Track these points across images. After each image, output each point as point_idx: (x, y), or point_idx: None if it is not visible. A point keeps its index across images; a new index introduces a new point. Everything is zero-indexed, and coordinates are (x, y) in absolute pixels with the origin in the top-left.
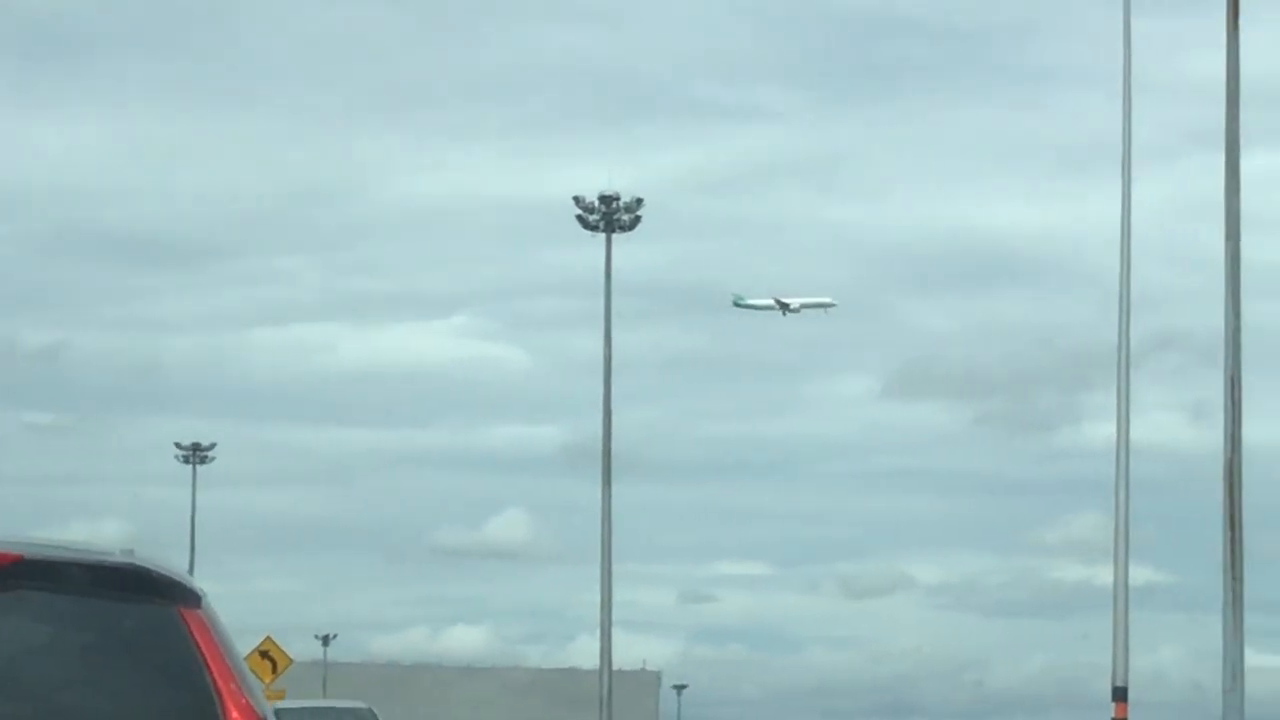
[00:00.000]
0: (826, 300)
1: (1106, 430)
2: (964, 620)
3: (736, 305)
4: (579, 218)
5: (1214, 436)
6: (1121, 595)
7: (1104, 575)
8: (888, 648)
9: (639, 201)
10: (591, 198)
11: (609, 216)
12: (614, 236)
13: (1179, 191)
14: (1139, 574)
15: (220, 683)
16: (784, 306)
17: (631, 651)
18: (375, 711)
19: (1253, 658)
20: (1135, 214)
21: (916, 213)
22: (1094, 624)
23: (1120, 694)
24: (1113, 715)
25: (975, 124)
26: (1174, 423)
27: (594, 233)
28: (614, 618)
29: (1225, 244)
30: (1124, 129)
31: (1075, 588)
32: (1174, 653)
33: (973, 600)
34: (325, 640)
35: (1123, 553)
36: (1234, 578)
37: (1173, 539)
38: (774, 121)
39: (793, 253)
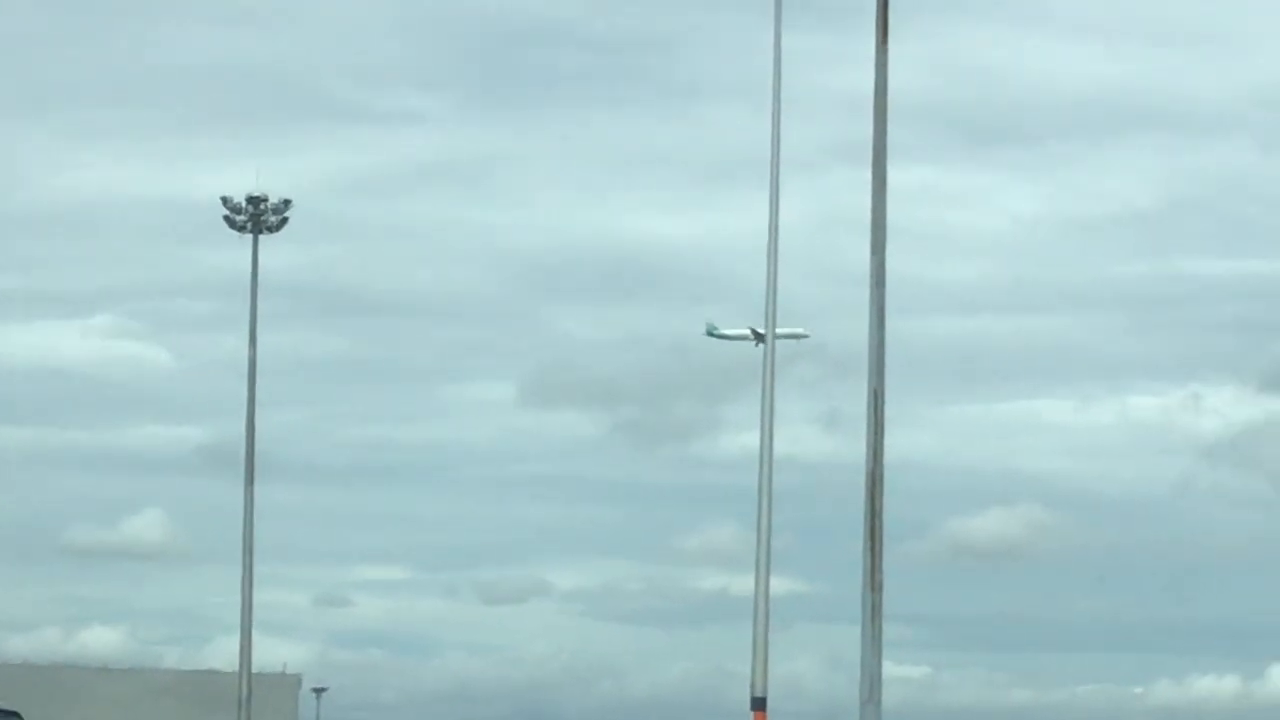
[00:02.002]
0: (800, 331)
1: (743, 440)
2: (603, 627)
3: (710, 335)
4: (226, 218)
5: (849, 448)
6: (762, 605)
7: (741, 584)
8: (526, 654)
9: (287, 203)
10: (239, 199)
11: (256, 218)
12: (261, 238)
13: (824, 205)
14: (778, 584)
15: None
16: (758, 337)
17: (271, 654)
18: (22, 715)
19: (890, 669)
20: (781, 226)
21: (562, 220)
22: (732, 633)
23: (759, 703)
24: None
25: (623, 134)
26: (810, 434)
27: (241, 234)
28: (254, 620)
29: (871, 258)
30: (773, 142)
31: (713, 596)
32: (812, 663)
33: (611, 607)
34: None
35: (764, 563)
36: (873, 589)
37: (810, 549)
38: (422, 126)
39: (438, 257)
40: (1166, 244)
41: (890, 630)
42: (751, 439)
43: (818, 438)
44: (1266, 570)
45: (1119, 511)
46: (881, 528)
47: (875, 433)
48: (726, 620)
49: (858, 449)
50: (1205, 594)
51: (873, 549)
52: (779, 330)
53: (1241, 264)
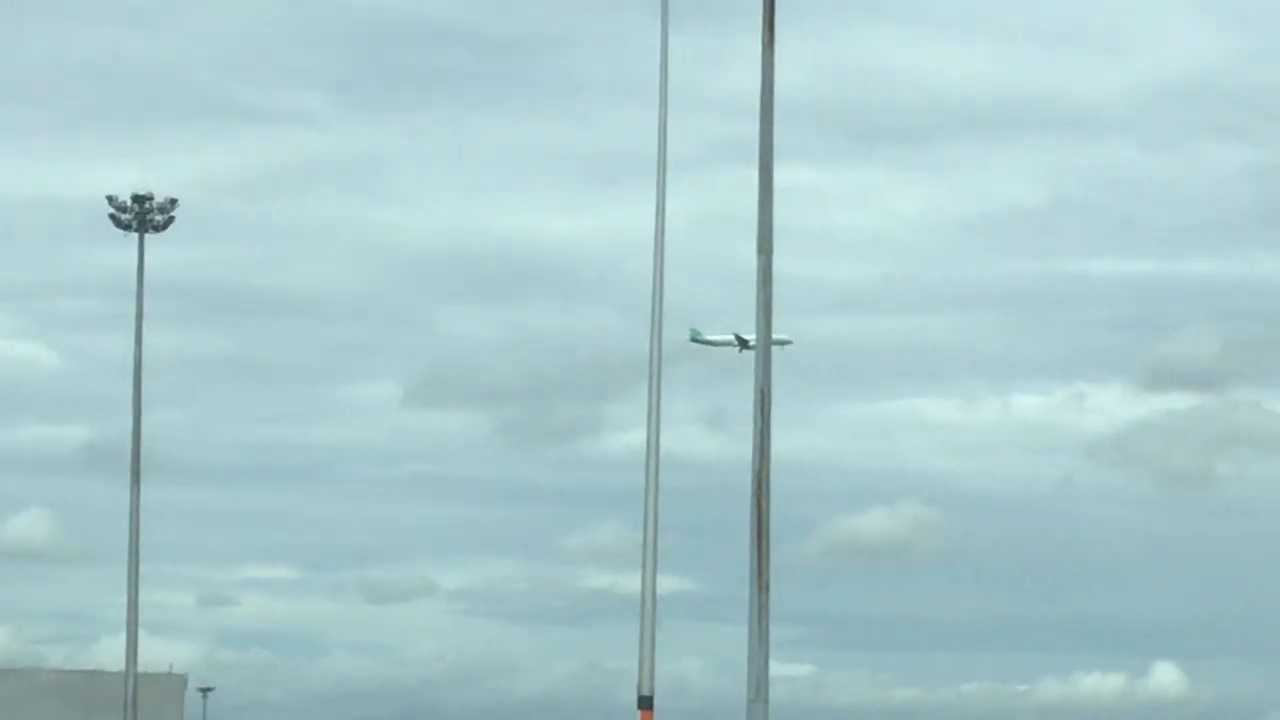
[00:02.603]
0: (784, 338)
1: (627, 439)
2: (488, 626)
3: (694, 341)
4: (112, 217)
5: (734, 447)
6: (649, 604)
7: (627, 583)
8: (412, 653)
9: (173, 202)
10: (125, 198)
11: (142, 217)
12: (147, 237)
13: (710, 204)
14: (665, 583)
15: None
16: (743, 343)
17: (157, 654)
18: None
19: (777, 668)
20: (667, 225)
21: (448, 219)
22: (619, 631)
23: (646, 702)
24: None
25: (510, 133)
26: (695, 433)
27: (127, 233)
28: (140, 620)
29: (758, 257)
30: (660, 142)
31: (599, 595)
32: (699, 662)
33: (497, 606)
34: None
35: (650, 562)
36: (760, 588)
37: (696, 548)
38: (310, 126)
39: (324, 256)
40: (1051, 243)
41: (777, 629)
42: (636, 438)
43: (703, 437)
44: (1150, 568)
45: (1003, 510)
46: (768, 527)
47: (762, 432)
48: (613, 619)
49: (743, 448)
50: (1089, 592)
51: (760, 548)
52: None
53: (1125, 263)
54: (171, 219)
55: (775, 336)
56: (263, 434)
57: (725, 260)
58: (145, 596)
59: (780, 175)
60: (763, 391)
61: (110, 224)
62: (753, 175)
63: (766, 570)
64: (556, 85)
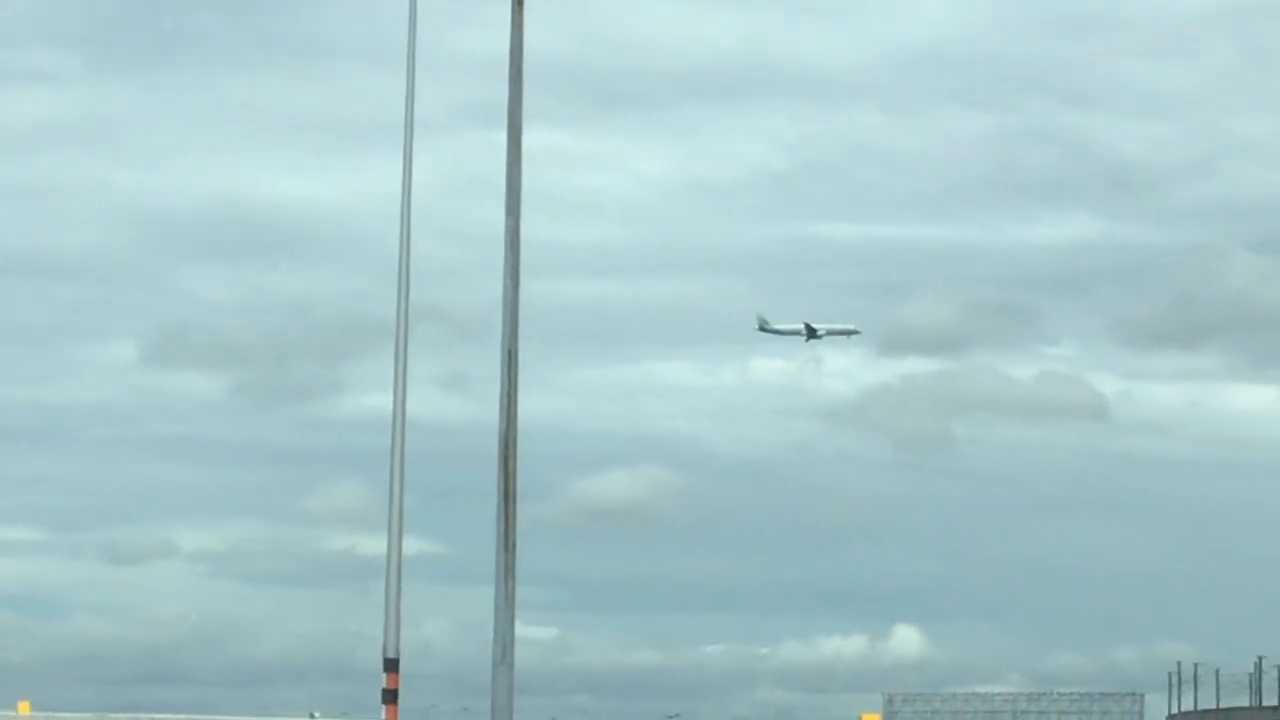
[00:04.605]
0: (851, 326)
1: (367, 401)
2: (231, 588)
3: (762, 330)
4: None
5: (476, 409)
6: (394, 566)
7: (369, 545)
8: (154, 614)
9: None
10: None
11: None
12: None
13: (458, 166)
14: (410, 545)
15: None
16: (811, 332)
17: None
18: None
19: (522, 630)
20: (414, 188)
21: (191, 180)
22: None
23: (391, 665)
24: (384, 686)
25: (255, 94)
26: (435, 395)
27: None
28: None
29: (506, 219)
30: (407, 104)
31: (341, 557)
32: (444, 624)
33: (239, 568)
34: None
35: (396, 524)
36: (507, 550)
37: (439, 510)
38: (50, 85)
39: (67, 216)
40: (795, 208)
41: (522, 592)
42: (375, 400)
43: (443, 399)
44: (889, 531)
45: (744, 473)
46: (515, 489)
47: (509, 394)
48: (356, 581)
49: (484, 410)
50: (830, 555)
51: (506, 510)
52: (832, 326)
53: (868, 228)
54: None
55: (843, 326)
56: (0, 394)
57: (472, 222)
58: None
59: (528, 138)
60: (510, 352)
61: None
62: (500, 138)
63: (513, 533)
64: (303, 46)
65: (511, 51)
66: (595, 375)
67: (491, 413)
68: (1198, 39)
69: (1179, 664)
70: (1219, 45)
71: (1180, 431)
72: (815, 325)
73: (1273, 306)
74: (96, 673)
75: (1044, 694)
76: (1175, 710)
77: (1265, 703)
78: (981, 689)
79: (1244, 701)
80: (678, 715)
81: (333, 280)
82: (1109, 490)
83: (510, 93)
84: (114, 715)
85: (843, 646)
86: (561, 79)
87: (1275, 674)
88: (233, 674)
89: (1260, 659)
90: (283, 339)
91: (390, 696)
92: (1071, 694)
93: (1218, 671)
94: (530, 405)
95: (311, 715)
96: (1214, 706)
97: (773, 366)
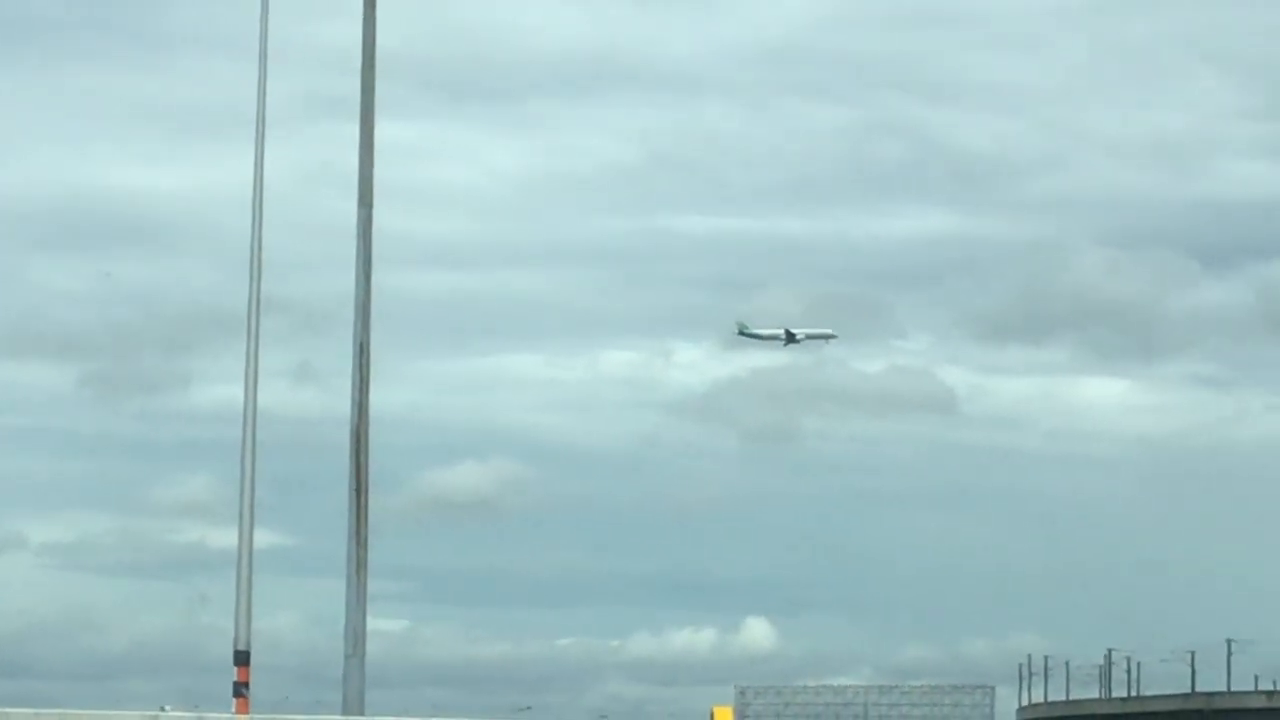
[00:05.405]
0: (828, 331)
1: (214, 393)
2: (79, 580)
3: (742, 334)
4: None
5: (325, 402)
6: (245, 558)
7: (219, 537)
8: (2, 608)
9: None
10: None
11: None
12: None
13: (309, 158)
14: (260, 537)
15: None
16: (790, 337)
17: None
18: None
19: (373, 622)
20: (265, 179)
21: (41, 171)
22: (213, 586)
23: (242, 657)
24: (235, 679)
25: (104, 85)
26: (283, 387)
27: None
28: None
29: (358, 210)
30: (259, 95)
31: (191, 549)
32: (295, 616)
33: (87, 560)
34: None
35: (247, 516)
36: (359, 543)
37: (290, 503)
38: None
39: None
40: (647, 201)
41: (372, 584)
42: (223, 391)
43: (290, 391)
44: (739, 524)
45: (594, 466)
46: (367, 482)
47: (361, 387)
48: (206, 573)
49: (333, 402)
50: (680, 548)
51: (358, 503)
52: (810, 331)
53: (718, 221)
54: None
55: (821, 331)
56: None
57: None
58: None
59: (380, 131)
60: (362, 345)
61: None
62: (353, 130)
63: (364, 526)
64: (154, 37)
65: (364, 43)
66: (446, 368)
67: (342, 405)
68: (1048, 34)
69: (1029, 656)
70: (1069, 40)
71: (1029, 425)
72: (794, 330)
73: (1121, 300)
74: None
75: (895, 687)
76: (1025, 702)
77: (1114, 694)
78: (833, 682)
79: (1094, 693)
80: (529, 708)
81: (180, 271)
82: (959, 484)
83: (363, 84)
84: None
85: (694, 639)
86: (414, 72)
87: (1125, 665)
88: (81, 667)
89: (1110, 651)
90: (132, 331)
91: (241, 689)
92: (922, 686)
93: (1068, 663)
94: (381, 397)
95: (162, 709)
96: (1064, 698)
97: (622, 359)
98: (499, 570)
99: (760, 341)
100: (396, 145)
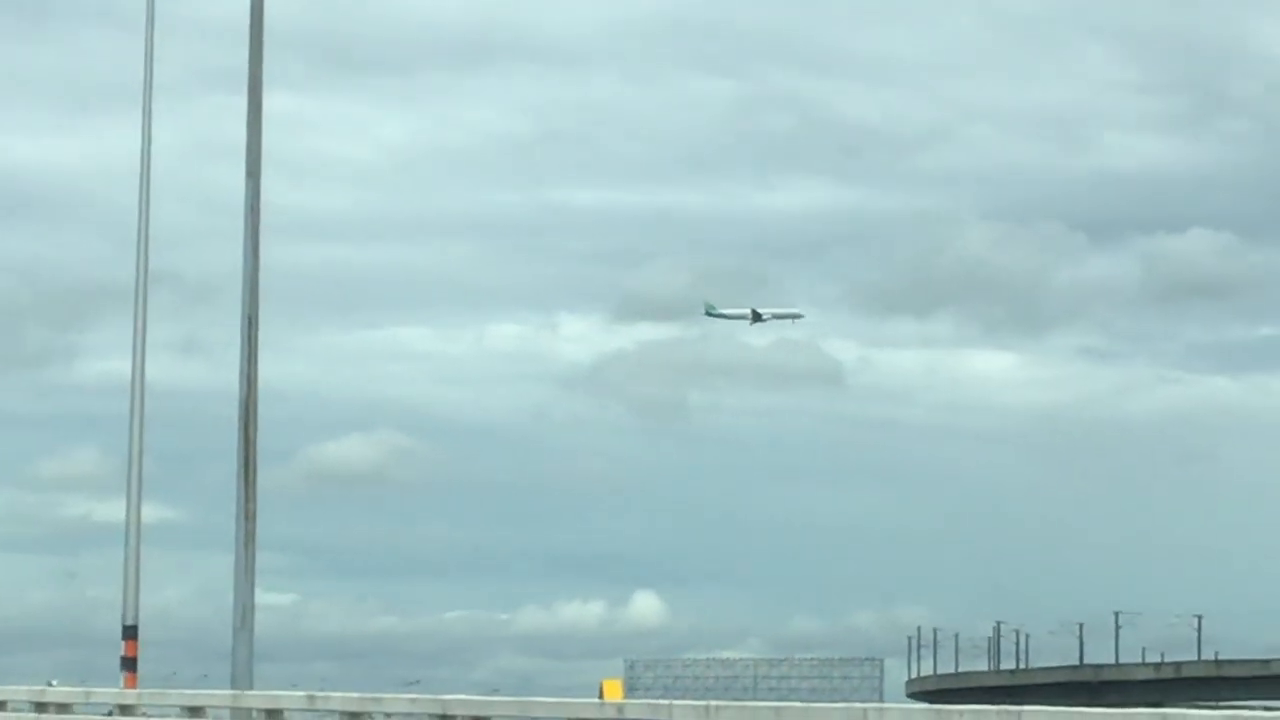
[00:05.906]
0: (795, 310)
1: (103, 366)
2: None
3: (709, 314)
4: None
5: (211, 375)
6: (133, 532)
7: (105, 510)
8: None
9: None
10: None
11: None
12: None
13: (196, 131)
14: (149, 511)
15: None
16: (756, 316)
17: None
18: None
19: (261, 596)
20: (153, 152)
21: None
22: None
23: (130, 632)
24: (122, 653)
25: None
26: (172, 360)
27: None
28: None
29: (246, 182)
30: (146, 67)
31: (77, 523)
32: (183, 590)
33: None
34: None
35: (135, 490)
36: (247, 516)
37: (177, 476)
38: None
39: None
40: (535, 174)
41: (260, 557)
42: (110, 365)
43: (179, 364)
44: (626, 497)
45: (481, 439)
46: (255, 455)
47: (249, 360)
48: (93, 547)
49: (220, 376)
50: (568, 521)
51: (247, 476)
52: (777, 310)
53: (606, 194)
54: None
55: (787, 310)
56: None
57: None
58: None
59: (269, 103)
60: (250, 318)
61: None
62: (241, 102)
63: (253, 500)
64: (40, 8)
65: (252, 15)
66: (334, 340)
67: (231, 378)
68: (936, 5)
69: (918, 629)
70: (957, 11)
71: (916, 398)
72: (760, 310)
73: (1007, 273)
74: None
75: (784, 660)
76: (914, 674)
77: (1003, 666)
78: (722, 655)
79: (983, 665)
80: (418, 681)
81: (68, 245)
82: (846, 456)
83: (250, 56)
84: None
85: (582, 612)
86: (303, 44)
87: (1013, 638)
88: None
89: (999, 624)
90: (16, 303)
91: (129, 664)
92: (811, 659)
93: (956, 636)
94: (269, 370)
95: (49, 683)
96: (953, 670)
97: (509, 332)
98: (387, 544)
99: (727, 320)
100: (286, 117)
